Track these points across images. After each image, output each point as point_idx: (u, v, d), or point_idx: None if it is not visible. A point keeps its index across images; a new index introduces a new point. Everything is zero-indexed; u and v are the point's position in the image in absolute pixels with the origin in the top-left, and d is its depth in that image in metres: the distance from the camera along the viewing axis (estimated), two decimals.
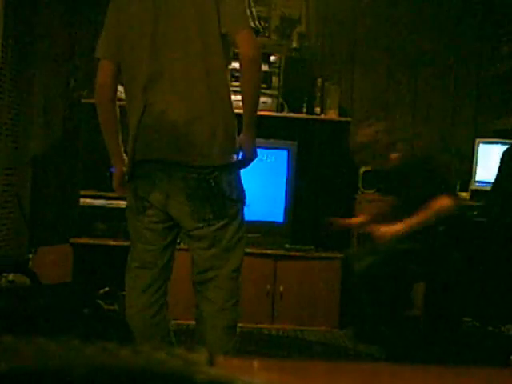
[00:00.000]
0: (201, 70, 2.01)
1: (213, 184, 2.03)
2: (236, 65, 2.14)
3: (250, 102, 2.07)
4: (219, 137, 2.03)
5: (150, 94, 2.03)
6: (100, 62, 2.16)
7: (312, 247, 3.86)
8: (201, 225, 2.05)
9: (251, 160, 2.17)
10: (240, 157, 2.16)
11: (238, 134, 2.13)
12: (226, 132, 2.05)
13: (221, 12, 2.01)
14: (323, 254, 3.82)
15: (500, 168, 3.05)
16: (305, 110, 4.02)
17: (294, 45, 4.19)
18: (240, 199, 2.12)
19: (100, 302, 3.34)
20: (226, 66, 2.08)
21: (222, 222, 2.06)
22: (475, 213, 3.47)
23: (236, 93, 2.11)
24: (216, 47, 2.02)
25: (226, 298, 2.10)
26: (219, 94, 2.04)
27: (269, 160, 3.85)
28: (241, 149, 2.14)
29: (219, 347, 2.06)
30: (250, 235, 3.83)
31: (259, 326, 3.70)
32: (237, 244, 2.11)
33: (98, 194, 3.80)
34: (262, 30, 2.24)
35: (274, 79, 3.95)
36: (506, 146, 3.18)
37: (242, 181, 2.16)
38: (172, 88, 2.02)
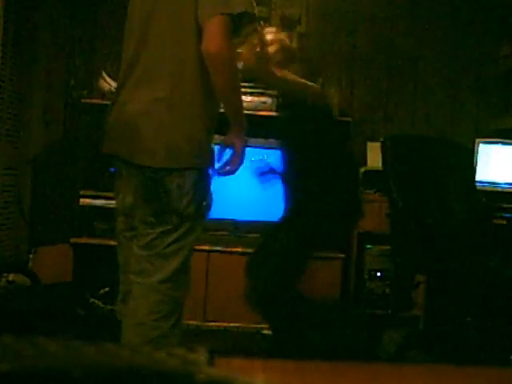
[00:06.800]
0: (166, 67, 1.90)
1: (157, 186, 1.89)
2: None
3: (225, 102, 1.95)
4: (169, 136, 1.89)
5: (124, 88, 1.99)
6: None
7: None
8: (143, 227, 1.95)
9: (240, 160, 2.01)
10: (229, 157, 2.02)
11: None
12: (183, 134, 1.90)
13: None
14: (323, 254, 3.81)
15: None
16: None
17: (294, 45, 4.18)
18: (193, 210, 1.93)
19: (100, 301, 3.34)
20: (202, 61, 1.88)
21: (164, 228, 1.92)
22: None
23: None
24: (189, 39, 1.87)
25: (146, 311, 1.92)
26: (185, 91, 1.89)
27: (268, 160, 3.85)
28: (228, 147, 2.02)
29: None
30: (250, 235, 3.85)
31: (259, 326, 3.69)
32: (174, 254, 1.93)
33: (98, 193, 3.79)
34: (258, 15, 2.01)
35: None
36: (506, 146, 3.16)
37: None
38: (136, 83, 1.95)
